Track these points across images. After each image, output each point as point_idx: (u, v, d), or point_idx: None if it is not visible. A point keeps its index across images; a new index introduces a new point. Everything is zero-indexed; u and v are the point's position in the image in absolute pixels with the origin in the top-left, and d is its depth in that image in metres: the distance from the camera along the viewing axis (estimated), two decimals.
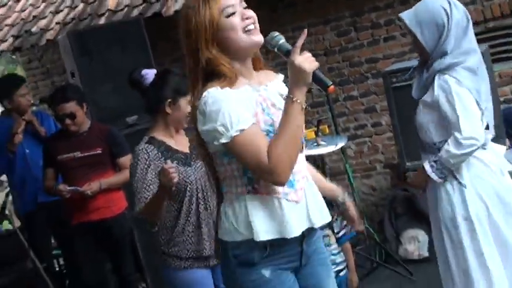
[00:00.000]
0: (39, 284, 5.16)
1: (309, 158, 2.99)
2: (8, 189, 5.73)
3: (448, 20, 3.47)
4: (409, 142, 5.76)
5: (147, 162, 3.45)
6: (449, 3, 3.50)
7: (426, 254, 5.63)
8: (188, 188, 3.49)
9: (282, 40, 2.51)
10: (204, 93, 2.37)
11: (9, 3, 9.05)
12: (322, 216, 2.58)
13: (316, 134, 5.57)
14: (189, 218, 3.52)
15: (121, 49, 5.85)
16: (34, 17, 8.26)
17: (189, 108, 3.24)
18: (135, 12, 7.24)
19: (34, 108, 5.63)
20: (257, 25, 2.50)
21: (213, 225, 3.35)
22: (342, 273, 4.06)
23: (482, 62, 3.60)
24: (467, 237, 3.52)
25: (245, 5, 2.51)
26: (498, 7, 6.62)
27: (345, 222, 4.06)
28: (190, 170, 3.49)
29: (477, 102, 3.44)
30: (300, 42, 2.40)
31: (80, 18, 7.64)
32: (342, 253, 4.08)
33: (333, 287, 2.73)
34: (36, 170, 5.32)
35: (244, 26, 2.45)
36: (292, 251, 2.54)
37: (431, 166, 3.50)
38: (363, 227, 3.09)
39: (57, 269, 6.03)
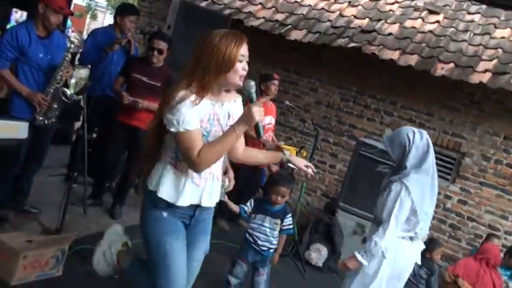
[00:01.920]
0: (79, 144, 4.94)
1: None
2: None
3: (409, 144, 3.41)
4: (350, 190, 5.70)
5: None
6: (414, 132, 3.45)
7: (320, 265, 5.57)
8: None
9: (253, 89, 2.53)
10: (177, 95, 2.38)
11: None
12: (209, 201, 2.62)
13: (297, 153, 5.43)
14: None
15: (207, 29, 5.62)
16: None
17: None
18: (227, 11, 7.05)
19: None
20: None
21: None
22: (271, 250, 3.97)
23: (435, 180, 3.46)
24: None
25: (248, 59, 2.48)
26: (447, 140, 6.58)
27: (290, 222, 3.96)
28: None
29: (415, 209, 3.33)
30: (264, 100, 2.45)
31: None
32: (277, 239, 3.96)
33: (204, 240, 2.75)
34: (113, 72, 5.13)
35: (240, 74, 2.45)
36: (186, 213, 2.59)
37: (362, 255, 3.38)
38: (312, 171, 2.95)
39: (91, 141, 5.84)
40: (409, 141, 3.41)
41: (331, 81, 7.27)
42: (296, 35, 6.64)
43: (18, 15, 5.90)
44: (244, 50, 2.43)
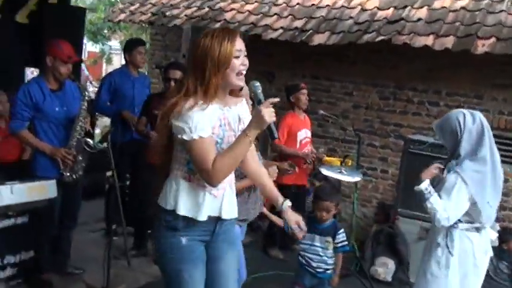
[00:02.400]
0: (111, 194, 5.07)
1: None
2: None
3: (460, 129, 3.30)
4: (406, 194, 5.61)
5: None
6: (464, 115, 3.33)
7: (389, 279, 5.48)
8: None
9: (259, 90, 2.53)
10: (185, 103, 2.39)
11: None
12: (230, 212, 2.61)
13: (341, 163, 5.41)
14: None
15: None
16: (171, 4, 8.20)
17: None
18: (243, 28, 7.13)
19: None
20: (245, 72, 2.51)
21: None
22: (328, 271, 3.94)
23: (496, 167, 3.34)
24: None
25: (246, 53, 2.49)
26: (504, 121, 6.43)
27: (344, 238, 3.92)
28: None
29: (474, 201, 3.25)
30: (272, 100, 2.43)
31: (203, 18, 7.55)
32: (333, 258, 3.93)
33: (231, 258, 2.72)
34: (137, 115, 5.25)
35: (239, 70, 2.45)
36: (207, 228, 2.56)
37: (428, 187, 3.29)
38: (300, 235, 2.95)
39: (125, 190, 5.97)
40: (460, 126, 3.29)
41: (365, 81, 7.23)
42: (319, 38, 6.64)
43: (30, 72, 6.15)
44: (239, 44, 2.45)
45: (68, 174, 4.19)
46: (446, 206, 3.22)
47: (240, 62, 2.46)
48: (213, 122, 2.45)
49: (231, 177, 2.62)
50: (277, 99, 2.47)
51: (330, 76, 7.48)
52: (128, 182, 5.65)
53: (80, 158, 4.23)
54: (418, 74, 6.86)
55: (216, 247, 2.63)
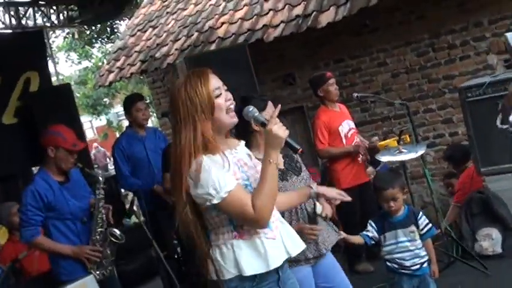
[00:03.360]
0: (161, 269, 5.17)
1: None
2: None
3: None
4: (484, 150, 5.49)
5: None
6: None
7: (500, 250, 5.35)
8: None
9: (256, 113, 2.64)
10: (192, 166, 2.44)
11: (137, 34, 9.24)
12: (296, 246, 2.68)
13: (398, 142, 5.35)
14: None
15: (229, 70, 5.78)
16: (157, 44, 8.41)
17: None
18: (241, 38, 7.24)
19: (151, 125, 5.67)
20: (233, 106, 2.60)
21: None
22: (425, 265, 3.90)
23: None
24: None
25: (225, 87, 2.58)
26: None
27: (427, 221, 3.89)
28: (287, 184, 3.36)
29: None
30: (275, 113, 2.51)
31: (195, 45, 7.72)
32: (424, 247, 3.89)
33: None
34: (158, 176, 5.35)
35: (227, 107, 2.54)
36: (272, 278, 2.61)
37: None
38: (348, 198, 3.09)
39: (175, 256, 6.05)
40: None
41: (395, 44, 7.20)
42: (326, 17, 6.67)
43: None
44: (214, 82, 2.53)
45: (98, 272, 4.19)
46: None
47: (224, 99, 2.54)
48: (231, 169, 2.51)
49: (276, 212, 2.69)
50: (278, 107, 2.57)
51: (354, 53, 7.47)
52: (178, 249, 5.75)
53: (108, 251, 4.27)
54: (449, 14, 6.79)
55: None
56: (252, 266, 2.53)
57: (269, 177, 2.48)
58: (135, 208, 5.15)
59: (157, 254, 4.79)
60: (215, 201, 2.44)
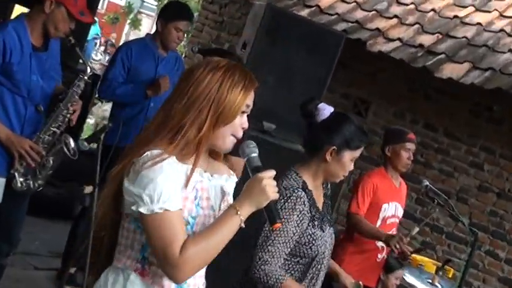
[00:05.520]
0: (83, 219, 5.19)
1: None
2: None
3: None
4: None
5: (301, 216, 3.44)
6: None
7: None
8: (318, 255, 3.52)
9: (255, 154, 2.65)
10: (147, 153, 2.44)
11: None
12: None
13: (437, 271, 5.33)
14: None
15: (305, 50, 5.76)
16: None
17: (351, 167, 3.49)
18: (342, 26, 7.18)
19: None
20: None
21: None
22: None
23: None
24: None
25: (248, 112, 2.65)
26: None
27: None
28: (324, 236, 3.40)
29: None
30: (273, 173, 2.55)
31: None
32: None
33: None
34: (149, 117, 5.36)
35: (237, 131, 2.60)
36: None
37: None
38: None
39: None
40: None
41: (506, 152, 7.14)
42: (452, 70, 6.65)
43: None
44: (251, 97, 2.60)
45: (22, 179, 4.19)
46: None
47: (243, 121, 2.61)
48: (186, 191, 2.52)
49: (202, 275, 2.70)
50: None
51: (454, 131, 7.42)
52: None
53: (51, 161, 4.26)
54: None
55: None
56: None
57: (225, 231, 2.47)
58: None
59: (91, 199, 4.76)
60: (142, 210, 2.41)
